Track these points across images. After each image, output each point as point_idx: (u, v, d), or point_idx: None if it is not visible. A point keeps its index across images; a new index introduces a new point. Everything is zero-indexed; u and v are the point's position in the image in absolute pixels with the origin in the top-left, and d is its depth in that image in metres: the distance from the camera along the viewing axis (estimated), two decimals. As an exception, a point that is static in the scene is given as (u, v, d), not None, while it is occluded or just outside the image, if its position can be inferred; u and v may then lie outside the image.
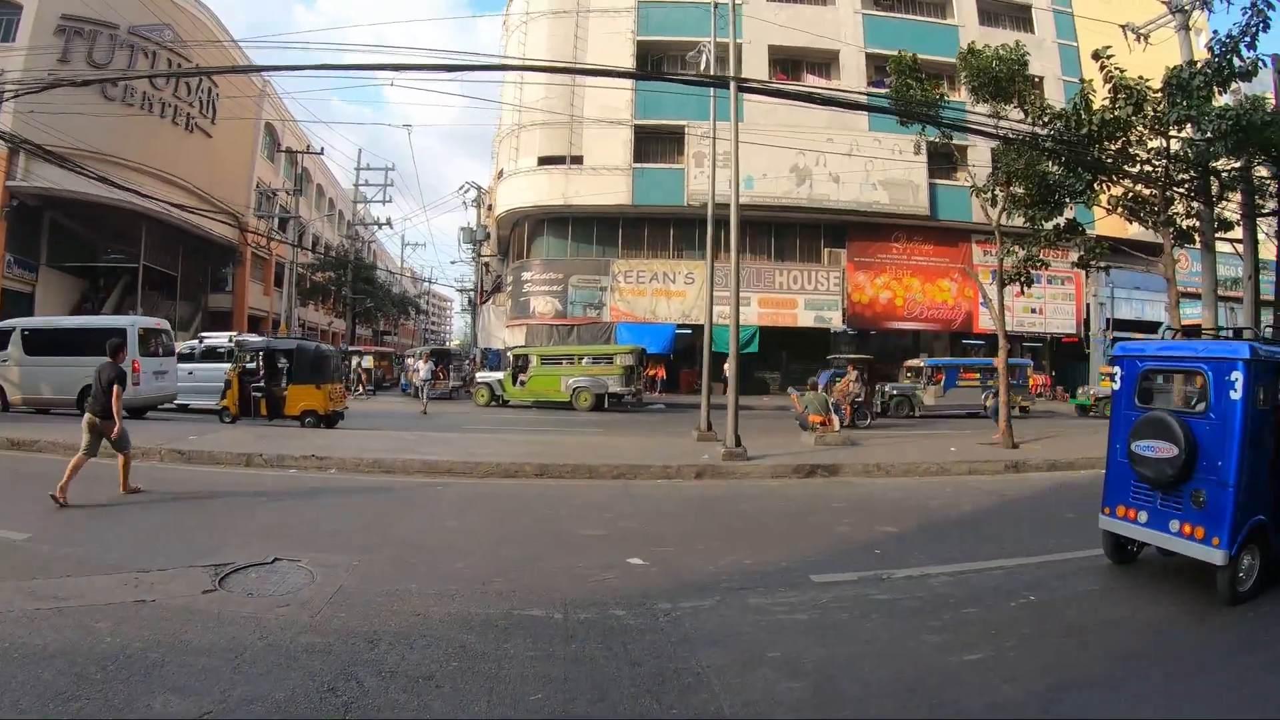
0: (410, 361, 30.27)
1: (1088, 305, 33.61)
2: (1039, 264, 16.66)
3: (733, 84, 12.96)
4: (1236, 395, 5.40)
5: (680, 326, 29.69)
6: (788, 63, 31.83)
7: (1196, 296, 25.09)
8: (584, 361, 24.30)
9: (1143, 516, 5.94)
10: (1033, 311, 32.86)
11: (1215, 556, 5.32)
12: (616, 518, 8.12)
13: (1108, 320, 33.45)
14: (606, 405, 23.31)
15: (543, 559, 6.38)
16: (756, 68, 28.47)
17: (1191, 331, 9.88)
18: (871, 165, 28.98)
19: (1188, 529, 5.55)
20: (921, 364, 24.16)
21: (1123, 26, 18.02)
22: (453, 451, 11.57)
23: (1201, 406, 5.72)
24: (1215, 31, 16.45)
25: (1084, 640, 4.86)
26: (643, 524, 7.96)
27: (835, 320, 31.10)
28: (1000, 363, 15.50)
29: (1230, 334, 7.03)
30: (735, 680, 4.02)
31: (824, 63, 31.85)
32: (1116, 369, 6.48)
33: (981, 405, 21.05)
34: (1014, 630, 4.96)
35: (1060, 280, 32.65)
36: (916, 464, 11.83)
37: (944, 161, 28.15)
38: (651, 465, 11.04)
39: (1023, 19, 33.40)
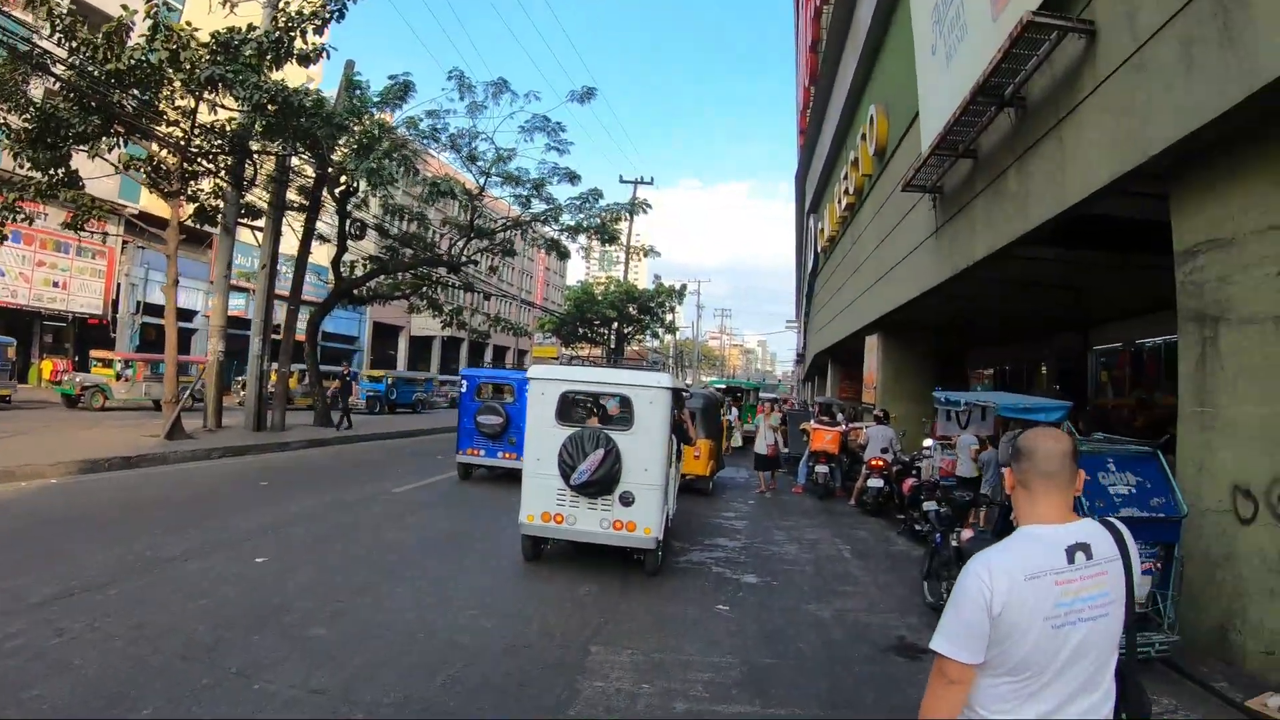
0: None
1: (119, 285, 29.64)
2: (12, 215, 13.74)
3: None
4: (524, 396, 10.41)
5: None
6: None
7: (239, 290, 24.61)
8: None
9: (482, 453, 12.44)
10: (55, 285, 27.21)
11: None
12: None
13: (139, 304, 30.18)
14: None
15: None
16: None
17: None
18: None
19: (507, 456, 12.00)
20: None
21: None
22: None
23: (511, 399, 12.73)
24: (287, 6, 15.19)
25: None
26: None
27: None
28: None
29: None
30: None
31: None
32: (463, 381, 13.46)
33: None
34: None
35: (92, 254, 27.90)
36: None
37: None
38: None
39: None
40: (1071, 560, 1.81)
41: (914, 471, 11.28)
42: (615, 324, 40.04)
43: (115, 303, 29.65)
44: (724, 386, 28.84)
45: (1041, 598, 1.76)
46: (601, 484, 6.96)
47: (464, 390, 12.99)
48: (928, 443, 11.66)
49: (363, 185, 19.24)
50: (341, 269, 22.57)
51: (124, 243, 27.70)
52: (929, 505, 8.76)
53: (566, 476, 7.01)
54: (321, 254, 23.08)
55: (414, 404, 33.57)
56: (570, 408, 7.72)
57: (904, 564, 8.67)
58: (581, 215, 23.51)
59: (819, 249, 27.07)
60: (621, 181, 37.11)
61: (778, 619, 6.28)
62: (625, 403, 7.47)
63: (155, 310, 30.17)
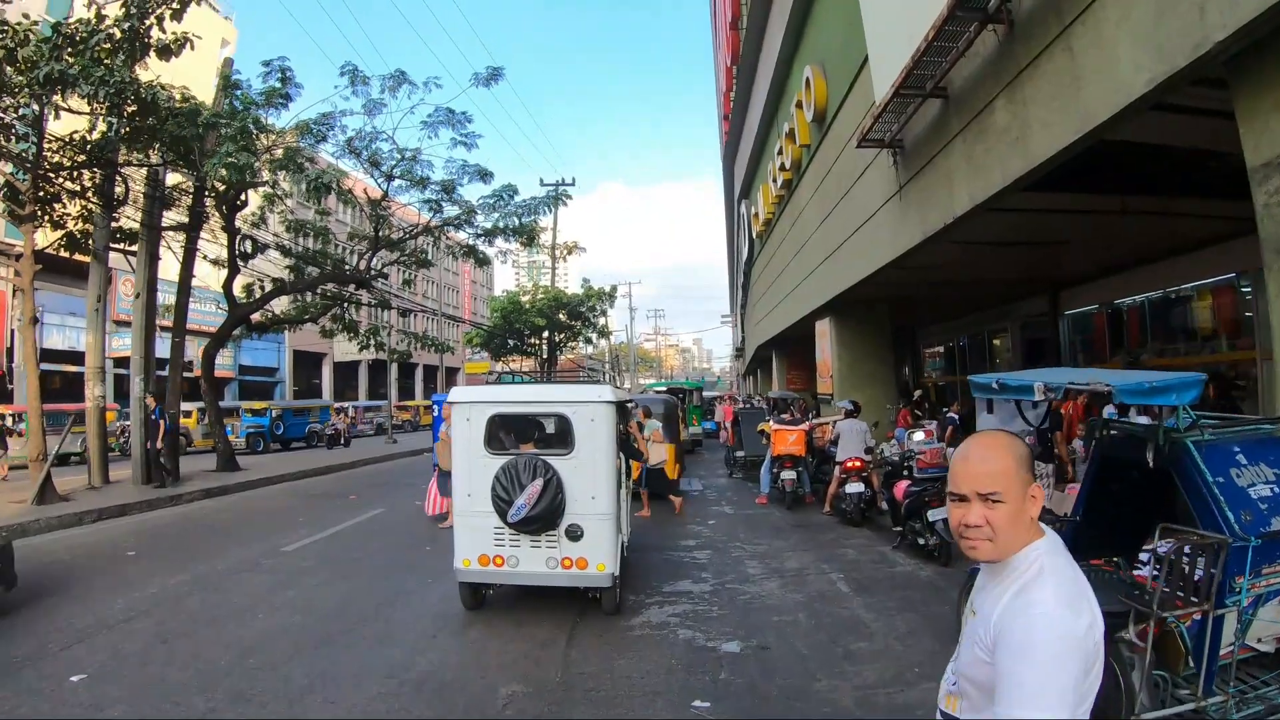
0: None
1: (12, 331, 26.64)
2: None
3: None
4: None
5: None
6: None
7: (126, 325, 21.98)
8: None
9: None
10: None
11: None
12: None
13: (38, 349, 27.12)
14: None
15: None
16: None
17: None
18: None
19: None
20: None
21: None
22: None
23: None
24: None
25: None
26: None
27: None
28: None
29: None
30: None
31: None
32: (433, 405, 14.59)
33: None
34: None
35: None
36: None
37: None
38: None
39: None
40: None
41: (905, 471, 9.60)
42: (546, 333, 38.11)
43: (10, 351, 26.62)
44: (665, 389, 27.47)
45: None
46: (543, 519, 6.12)
47: (436, 414, 14.31)
48: (918, 435, 10.08)
49: (254, 199, 17.15)
50: (238, 294, 20.24)
51: (15, 287, 24.81)
52: (938, 515, 7.21)
53: (503, 513, 6.14)
54: (219, 280, 20.70)
55: (308, 437, 31.26)
56: (501, 433, 6.76)
57: (918, 594, 7.08)
58: (497, 215, 21.46)
59: (753, 235, 25.74)
60: (541, 185, 35.23)
61: (782, 714, 4.49)
62: (563, 423, 6.61)
63: (56, 356, 27.66)
